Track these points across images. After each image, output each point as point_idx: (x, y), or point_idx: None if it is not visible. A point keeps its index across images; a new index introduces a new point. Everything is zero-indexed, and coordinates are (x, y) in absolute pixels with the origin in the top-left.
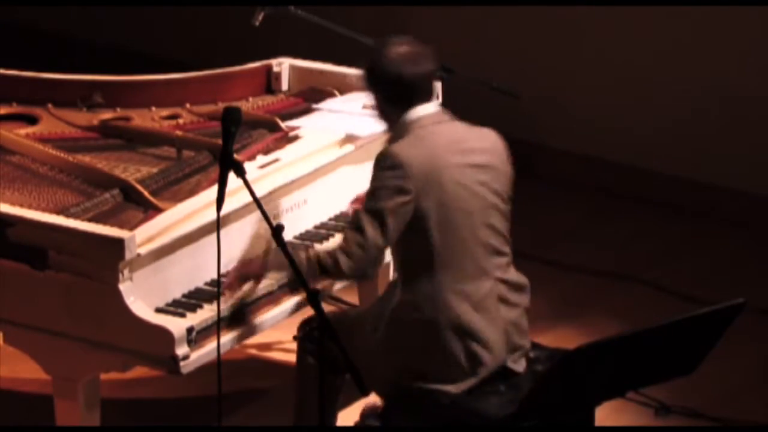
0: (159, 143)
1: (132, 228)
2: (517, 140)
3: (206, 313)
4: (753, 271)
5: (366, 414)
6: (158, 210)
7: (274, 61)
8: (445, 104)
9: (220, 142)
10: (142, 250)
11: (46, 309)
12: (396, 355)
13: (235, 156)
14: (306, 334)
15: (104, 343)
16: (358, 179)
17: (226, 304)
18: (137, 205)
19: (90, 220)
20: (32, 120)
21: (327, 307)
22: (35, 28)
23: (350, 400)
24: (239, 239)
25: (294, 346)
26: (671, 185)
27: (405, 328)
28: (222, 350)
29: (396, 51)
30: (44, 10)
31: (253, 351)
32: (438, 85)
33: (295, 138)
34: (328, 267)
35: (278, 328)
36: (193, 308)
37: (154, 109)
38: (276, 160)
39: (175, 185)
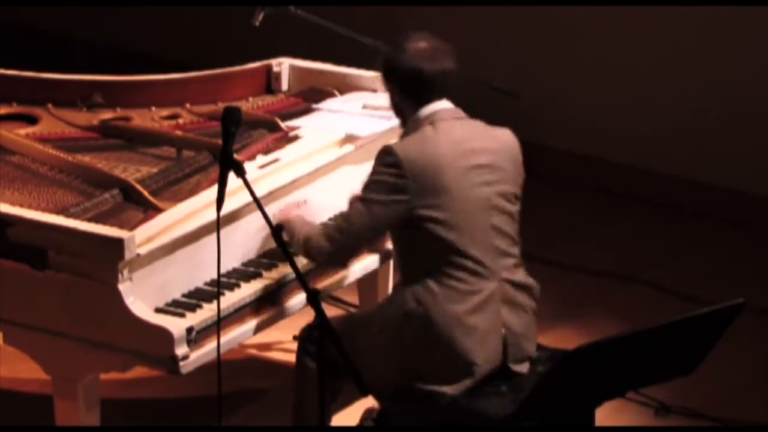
0: (159, 143)
1: (132, 228)
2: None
3: (206, 313)
4: (753, 271)
5: (365, 419)
6: (158, 210)
7: (274, 61)
8: None
9: (220, 142)
10: (142, 250)
11: (46, 309)
12: (396, 354)
13: (235, 156)
14: (306, 335)
15: (104, 343)
16: (359, 179)
17: (226, 304)
18: (137, 205)
19: (90, 220)
20: (32, 120)
21: (327, 308)
22: (35, 28)
23: (350, 400)
24: (239, 239)
25: (294, 345)
26: (671, 185)
27: (406, 328)
28: (222, 350)
29: (416, 46)
30: (44, 10)
31: (253, 351)
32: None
33: (295, 138)
34: (310, 248)
35: (278, 328)
36: (192, 308)
37: (154, 109)
38: (276, 160)
39: (175, 185)
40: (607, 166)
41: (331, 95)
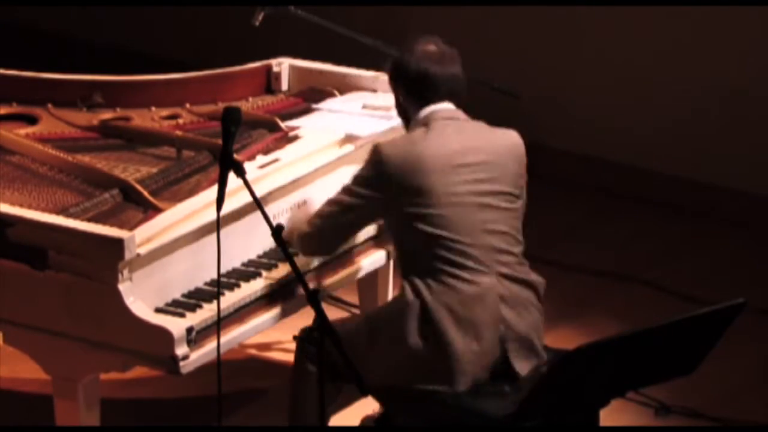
0: (159, 143)
1: (132, 228)
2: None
3: (206, 313)
4: (753, 271)
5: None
6: (158, 210)
7: (274, 61)
8: None
9: (220, 142)
10: (142, 250)
11: (46, 309)
12: (397, 352)
13: (235, 156)
14: (305, 336)
15: (104, 343)
16: None
17: (226, 304)
18: (137, 205)
19: (90, 220)
20: (32, 120)
21: (327, 308)
22: (35, 28)
23: (350, 400)
24: (239, 239)
25: (294, 346)
26: (671, 185)
27: (404, 319)
28: (222, 350)
29: (425, 48)
30: (44, 10)
31: (253, 351)
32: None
33: (295, 138)
34: (295, 235)
35: (278, 328)
36: (192, 308)
37: (154, 109)
38: (276, 160)
39: (174, 185)
40: (607, 166)
41: (331, 95)
